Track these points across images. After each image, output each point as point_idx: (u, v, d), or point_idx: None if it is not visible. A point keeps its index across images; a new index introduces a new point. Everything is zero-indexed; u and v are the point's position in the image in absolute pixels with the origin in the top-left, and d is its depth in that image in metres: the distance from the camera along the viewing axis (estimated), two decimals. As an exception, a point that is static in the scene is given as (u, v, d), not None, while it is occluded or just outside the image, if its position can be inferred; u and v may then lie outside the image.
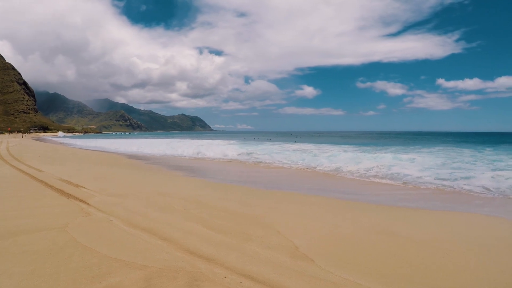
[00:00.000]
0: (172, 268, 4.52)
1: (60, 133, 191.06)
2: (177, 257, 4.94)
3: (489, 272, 4.89)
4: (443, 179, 14.25)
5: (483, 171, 15.85)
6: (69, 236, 5.82)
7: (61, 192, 10.04)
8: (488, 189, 12.26)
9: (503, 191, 11.96)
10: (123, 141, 61.33)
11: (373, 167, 18.05)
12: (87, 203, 8.57)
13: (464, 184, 13.22)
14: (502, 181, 13.09)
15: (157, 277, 4.25)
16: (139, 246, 5.39)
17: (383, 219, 7.97)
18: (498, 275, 4.77)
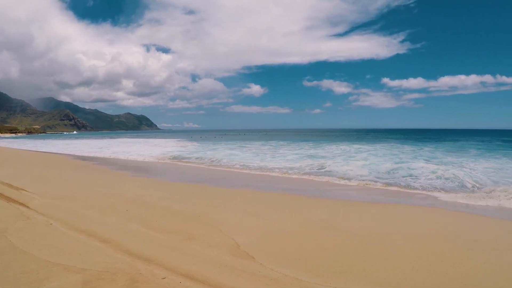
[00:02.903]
0: (111, 270, 4.41)
1: None
2: (117, 259, 4.84)
3: (427, 262, 5.05)
4: (385, 174, 14.85)
5: (422, 166, 16.66)
6: (7, 242, 5.48)
7: (0, 195, 9.44)
8: (427, 183, 12.88)
9: (438, 185, 12.59)
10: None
11: (317, 164, 18.24)
12: (28, 207, 8.08)
13: (405, 178, 13.93)
14: (439, 175, 13.86)
15: (95, 280, 4.14)
16: (78, 249, 5.20)
17: (326, 214, 8.15)
18: (437, 265, 4.97)
